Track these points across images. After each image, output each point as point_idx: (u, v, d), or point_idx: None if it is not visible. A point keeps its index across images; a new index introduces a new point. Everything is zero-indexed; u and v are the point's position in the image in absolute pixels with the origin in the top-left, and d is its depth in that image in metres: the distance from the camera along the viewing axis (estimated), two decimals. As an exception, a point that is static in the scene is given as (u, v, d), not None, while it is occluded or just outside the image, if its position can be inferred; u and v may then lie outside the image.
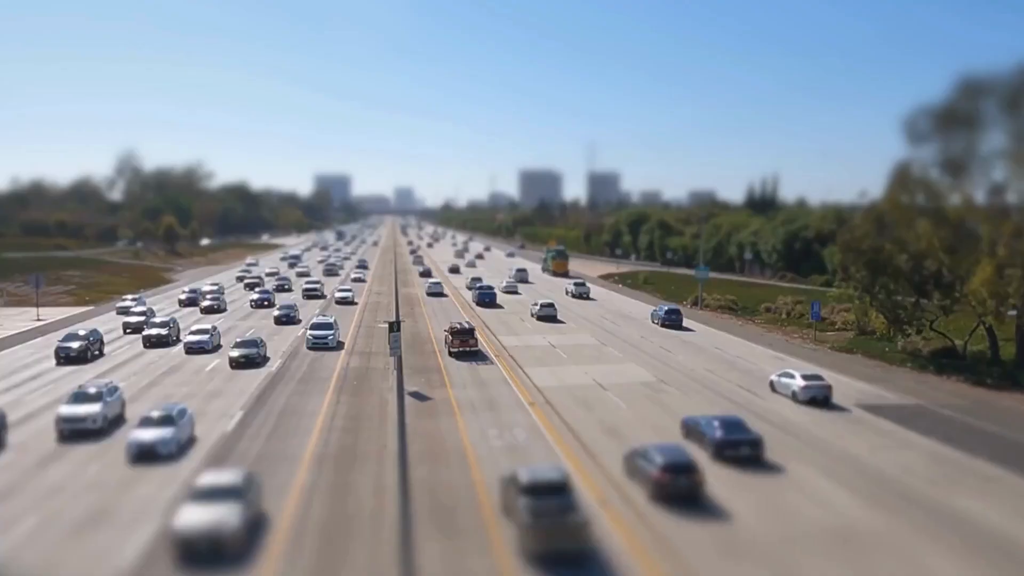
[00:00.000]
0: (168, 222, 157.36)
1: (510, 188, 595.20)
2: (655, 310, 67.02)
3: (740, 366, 46.80)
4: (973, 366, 45.34)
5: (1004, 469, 27.66)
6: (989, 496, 24.99)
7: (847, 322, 60.76)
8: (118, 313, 68.02)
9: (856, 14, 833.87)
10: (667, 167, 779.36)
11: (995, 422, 34.51)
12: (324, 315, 60.19)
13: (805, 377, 37.96)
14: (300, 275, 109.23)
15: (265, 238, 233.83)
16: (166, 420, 28.93)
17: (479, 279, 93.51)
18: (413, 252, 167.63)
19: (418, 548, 20.26)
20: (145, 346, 51.66)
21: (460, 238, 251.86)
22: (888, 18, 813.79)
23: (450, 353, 48.84)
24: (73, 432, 30.27)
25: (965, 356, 47.33)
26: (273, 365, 45.71)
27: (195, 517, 20.23)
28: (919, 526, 22.33)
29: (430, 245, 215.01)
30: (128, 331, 57.96)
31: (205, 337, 50.29)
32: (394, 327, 40.73)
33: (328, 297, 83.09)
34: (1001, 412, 36.53)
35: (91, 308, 75.27)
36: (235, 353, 45.28)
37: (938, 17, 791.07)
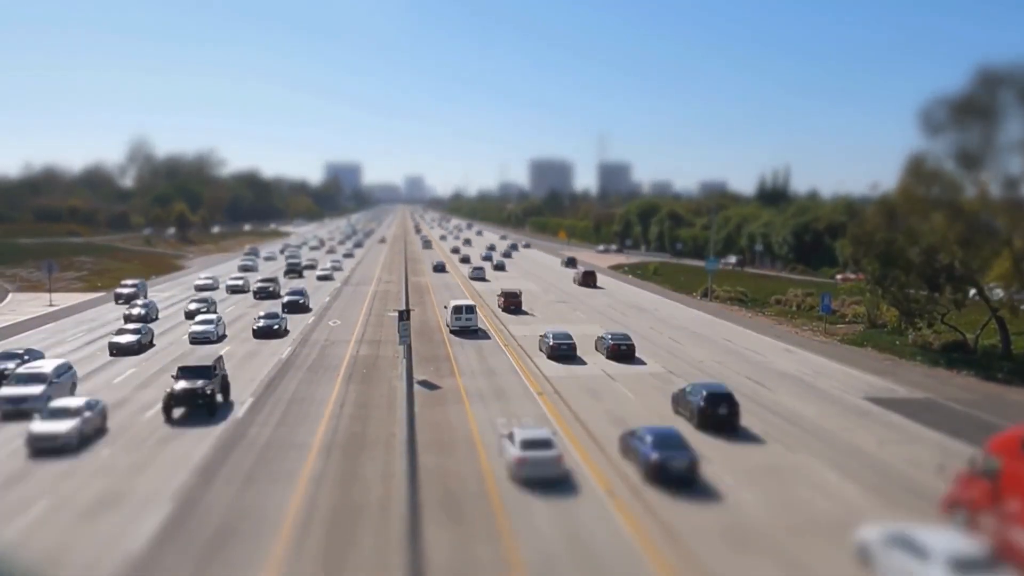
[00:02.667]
0: (179, 209, 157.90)
1: (520, 178, 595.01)
2: None
3: (751, 359, 46.76)
4: (984, 360, 45.08)
5: (1014, 464, 27.53)
6: (998, 490, 24.86)
7: (857, 315, 60.55)
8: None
9: (868, 9, 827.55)
10: (678, 158, 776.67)
11: (1005, 417, 34.25)
12: None
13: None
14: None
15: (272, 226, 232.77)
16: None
17: None
18: None
19: (426, 536, 20.38)
20: None
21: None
22: (901, 13, 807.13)
23: None
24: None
25: (976, 350, 47.06)
26: (283, 353, 45.93)
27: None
28: (926, 520, 22.26)
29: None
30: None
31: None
32: (403, 316, 40.83)
33: None
34: (1011, 407, 36.33)
35: (103, 294, 75.76)
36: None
37: (948, 16, 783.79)
